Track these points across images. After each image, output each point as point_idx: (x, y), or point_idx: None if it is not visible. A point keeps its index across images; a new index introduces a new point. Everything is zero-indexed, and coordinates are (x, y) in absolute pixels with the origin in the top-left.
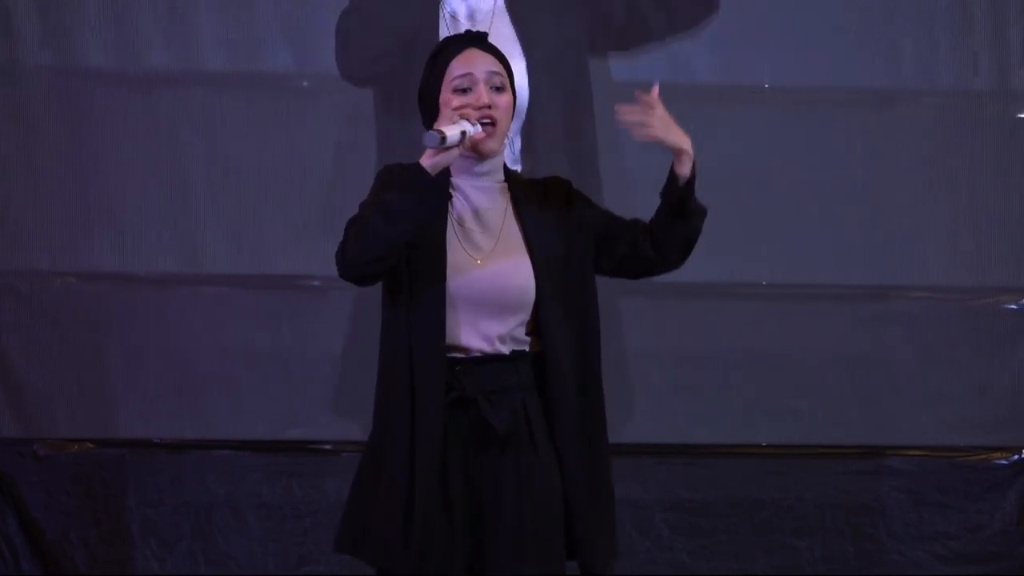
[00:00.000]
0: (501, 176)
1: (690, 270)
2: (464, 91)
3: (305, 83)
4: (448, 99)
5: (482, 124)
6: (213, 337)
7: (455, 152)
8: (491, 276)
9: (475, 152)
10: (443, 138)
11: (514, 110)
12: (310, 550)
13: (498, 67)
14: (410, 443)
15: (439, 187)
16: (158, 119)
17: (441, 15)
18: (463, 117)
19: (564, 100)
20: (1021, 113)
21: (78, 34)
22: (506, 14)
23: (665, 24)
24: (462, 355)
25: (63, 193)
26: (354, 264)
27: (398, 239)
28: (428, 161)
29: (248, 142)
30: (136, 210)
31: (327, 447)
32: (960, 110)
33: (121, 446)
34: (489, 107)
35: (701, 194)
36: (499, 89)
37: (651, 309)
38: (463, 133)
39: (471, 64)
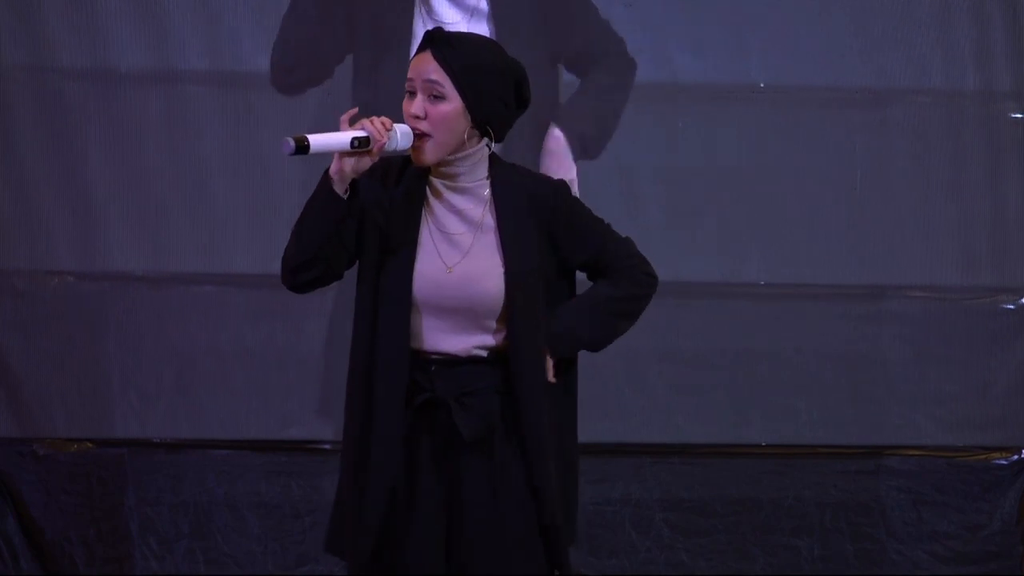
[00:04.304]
0: (478, 175)
1: (687, 270)
2: (411, 96)
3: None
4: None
5: (415, 135)
6: (212, 336)
7: (366, 159)
8: (459, 285)
9: (413, 160)
10: (301, 145)
11: (476, 113)
12: (309, 549)
13: (436, 75)
14: (367, 445)
15: (337, 197)
16: (156, 120)
17: (416, 9)
18: (382, 122)
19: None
20: (1015, 113)
21: (79, 35)
22: (487, 15)
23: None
24: (437, 357)
25: (60, 193)
26: (284, 271)
27: (311, 248)
28: (333, 167)
29: (246, 142)
30: (134, 210)
31: (326, 446)
32: (956, 110)
33: (120, 446)
34: (418, 117)
35: (699, 192)
36: (436, 98)
37: (648, 309)
38: (358, 140)
39: (414, 70)
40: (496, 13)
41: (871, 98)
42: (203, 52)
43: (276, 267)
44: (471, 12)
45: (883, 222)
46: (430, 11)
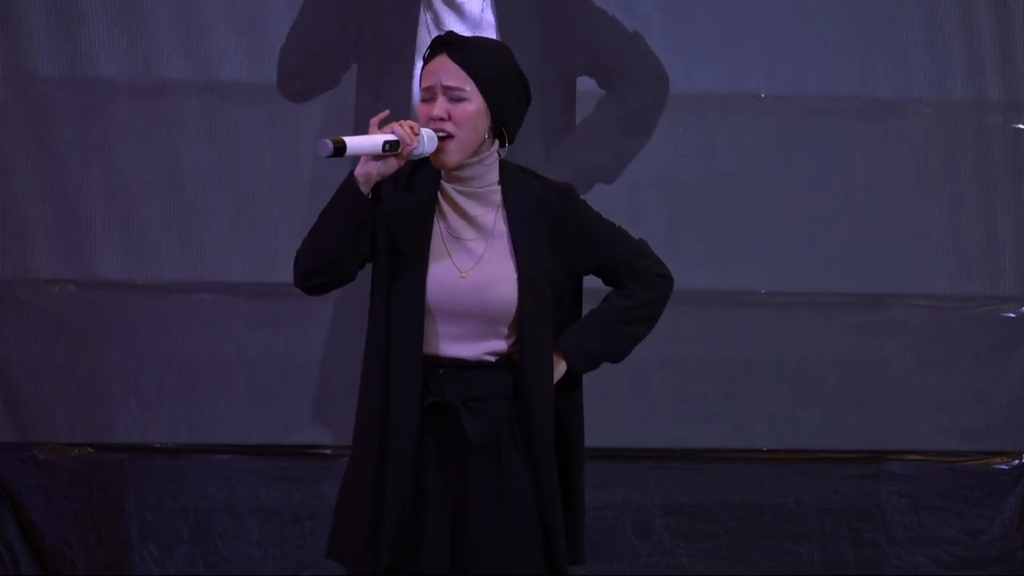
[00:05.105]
0: (491, 179)
1: (690, 278)
2: (428, 101)
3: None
4: (418, 108)
5: (439, 137)
6: (212, 344)
7: (393, 162)
8: (473, 290)
9: (435, 163)
10: (339, 147)
11: (496, 114)
12: (309, 554)
13: (458, 78)
14: (382, 450)
15: (363, 199)
16: (157, 129)
17: (422, 18)
18: (411, 126)
19: (544, 114)
20: (1018, 123)
21: (79, 44)
22: (493, 26)
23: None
24: (447, 361)
25: (62, 202)
26: (298, 274)
27: (331, 250)
28: (360, 170)
29: (247, 152)
30: (135, 219)
31: (326, 451)
32: (958, 120)
33: (120, 450)
34: (442, 119)
35: (700, 201)
36: (458, 100)
37: None
38: (388, 143)
39: (432, 74)
40: (502, 25)
41: (874, 108)
42: (203, 65)
43: (276, 275)
44: (477, 24)
45: (884, 231)
46: (437, 22)
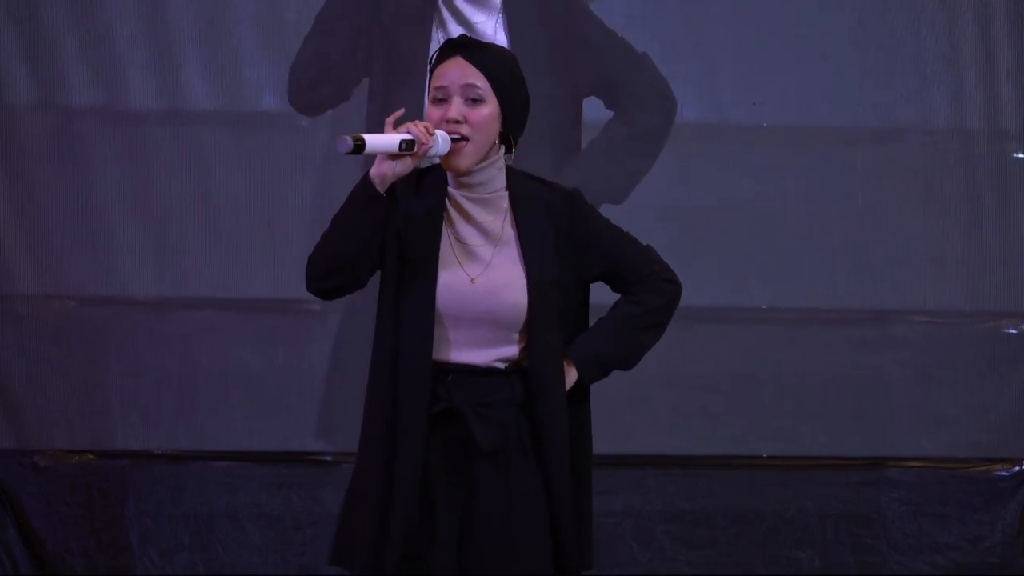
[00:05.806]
0: (499, 185)
1: (690, 295)
2: (441, 102)
3: (304, 123)
4: (428, 111)
5: (452, 139)
6: (212, 360)
7: (408, 162)
8: (483, 296)
9: (447, 166)
10: (358, 144)
11: (506, 118)
12: (310, 560)
13: (475, 78)
14: (391, 456)
15: (380, 199)
16: (156, 150)
17: (434, 36)
18: (425, 127)
19: (552, 132)
20: (1016, 152)
21: (76, 69)
22: (505, 45)
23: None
24: (456, 367)
25: (63, 221)
26: (311, 277)
27: (346, 253)
28: (375, 170)
29: (247, 172)
30: (134, 236)
31: (327, 458)
32: (958, 147)
33: (121, 457)
34: (457, 121)
35: (705, 219)
36: (475, 101)
37: None
38: (405, 143)
39: (446, 75)
40: (514, 45)
41: (874, 135)
42: (199, 90)
43: (276, 291)
44: (491, 38)
45: (886, 248)
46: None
